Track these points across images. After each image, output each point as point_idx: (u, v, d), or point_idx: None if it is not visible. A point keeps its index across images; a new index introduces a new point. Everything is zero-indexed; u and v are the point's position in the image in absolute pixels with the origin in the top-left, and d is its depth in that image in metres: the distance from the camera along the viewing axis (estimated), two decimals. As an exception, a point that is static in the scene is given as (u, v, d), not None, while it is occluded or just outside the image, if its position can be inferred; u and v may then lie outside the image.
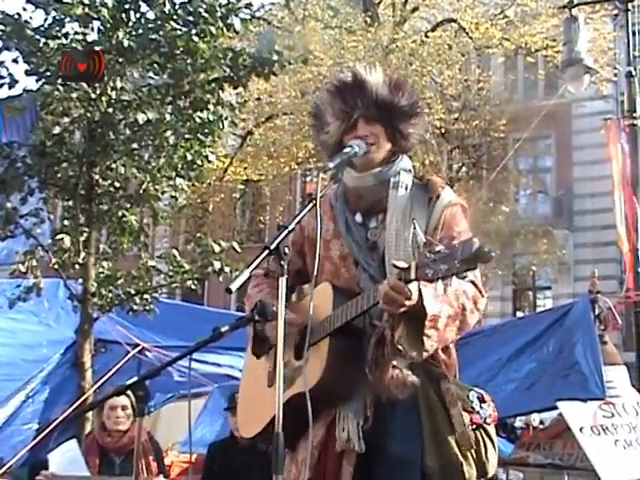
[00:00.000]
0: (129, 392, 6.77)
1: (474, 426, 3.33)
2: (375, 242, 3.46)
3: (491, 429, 3.41)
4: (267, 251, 3.00)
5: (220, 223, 25.77)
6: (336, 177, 3.33)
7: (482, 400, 3.40)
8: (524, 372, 7.63)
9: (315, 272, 3.22)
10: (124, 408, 6.53)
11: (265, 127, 24.23)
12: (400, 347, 3.13)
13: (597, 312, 7.61)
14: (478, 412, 3.35)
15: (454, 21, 22.69)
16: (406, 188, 3.49)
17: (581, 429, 7.05)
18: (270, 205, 28.39)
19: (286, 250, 3.04)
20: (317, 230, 3.22)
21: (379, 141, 3.50)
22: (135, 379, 3.36)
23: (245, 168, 24.95)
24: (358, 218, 3.53)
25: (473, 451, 3.31)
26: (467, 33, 22.32)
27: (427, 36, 22.00)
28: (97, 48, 8.31)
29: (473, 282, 3.29)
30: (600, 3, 16.20)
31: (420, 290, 3.03)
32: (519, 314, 26.23)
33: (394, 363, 3.22)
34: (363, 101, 3.51)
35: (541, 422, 10.88)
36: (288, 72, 21.32)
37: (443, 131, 22.35)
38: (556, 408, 7.47)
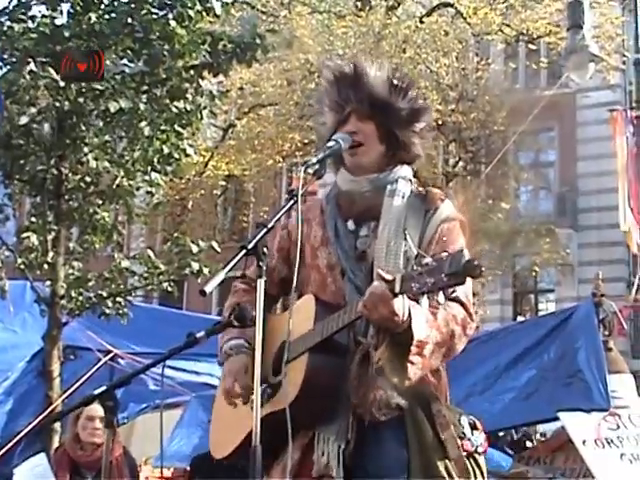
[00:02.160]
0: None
1: (465, 453, 3.28)
2: (364, 252, 3.42)
3: (481, 460, 3.36)
4: (244, 251, 2.98)
5: (200, 221, 25.74)
6: (319, 173, 3.31)
7: (474, 427, 3.36)
8: (523, 381, 7.63)
9: (294, 281, 3.21)
10: (102, 420, 6.51)
11: (248, 118, 24.21)
12: (381, 370, 3.10)
13: (601, 316, 7.62)
14: (469, 439, 3.31)
15: (451, 5, 22.69)
16: (403, 197, 3.46)
17: (584, 442, 7.07)
18: (254, 202, 28.33)
19: (265, 250, 3.02)
20: (298, 231, 3.21)
21: (368, 140, 3.48)
22: (104, 388, 3.33)
23: (227, 162, 24.93)
24: (350, 225, 3.49)
25: None
26: (465, 18, 22.33)
27: (422, 21, 21.98)
28: (66, 33, 8.28)
29: (464, 304, 3.26)
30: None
31: (410, 312, 3.01)
32: (520, 319, 26.21)
33: (378, 383, 3.19)
34: (357, 95, 3.50)
35: (542, 434, 10.90)
36: (273, 60, 21.37)
37: (439, 123, 22.31)
38: (557, 419, 7.48)
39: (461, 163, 24.88)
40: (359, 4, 22.12)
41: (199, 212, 26.05)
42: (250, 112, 24.06)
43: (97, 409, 6.46)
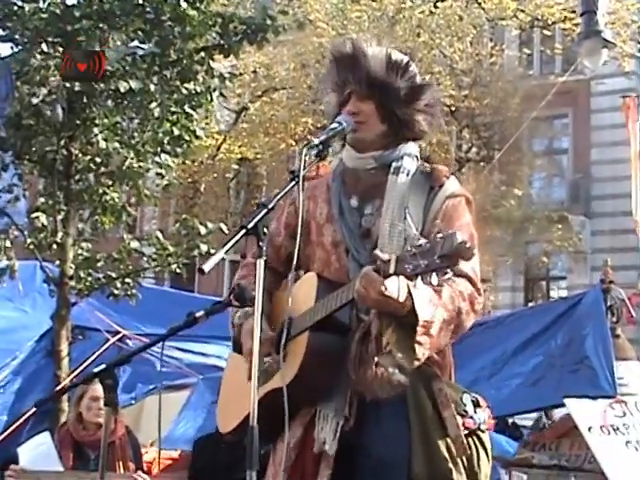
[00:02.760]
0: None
1: (466, 431, 3.27)
2: (369, 229, 3.42)
3: (485, 437, 3.35)
4: (244, 230, 2.98)
5: (212, 204, 25.77)
6: (322, 154, 3.31)
7: (477, 404, 3.35)
8: (530, 367, 7.61)
9: (294, 260, 3.21)
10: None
11: (261, 102, 24.22)
12: (389, 353, 3.09)
13: (609, 303, 7.59)
14: (472, 417, 3.30)
15: (466, -10, 22.63)
16: (407, 174, 3.45)
17: (590, 428, 7.05)
18: (266, 186, 28.33)
19: (265, 230, 3.01)
20: (299, 211, 3.20)
21: (369, 120, 3.47)
22: (103, 366, 3.34)
23: (240, 146, 24.95)
24: (353, 202, 3.49)
25: (465, 458, 3.25)
26: (479, 3, 22.27)
27: (436, 6, 21.94)
28: (76, 13, 8.27)
29: (470, 278, 3.25)
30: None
31: (411, 293, 3.00)
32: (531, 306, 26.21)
33: (378, 360, 3.18)
34: (355, 76, 3.50)
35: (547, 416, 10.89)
36: (286, 43, 21.37)
37: (452, 109, 22.30)
38: (563, 405, 7.47)
39: (474, 149, 24.86)
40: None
41: (211, 195, 26.08)
42: (263, 95, 24.07)
43: (100, 389, 6.45)
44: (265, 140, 24.13)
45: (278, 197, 3.14)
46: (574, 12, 20.85)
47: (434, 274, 2.84)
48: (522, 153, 24.87)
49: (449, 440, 3.23)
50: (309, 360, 3.24)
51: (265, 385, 3.32)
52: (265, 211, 3.04)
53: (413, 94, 3.51)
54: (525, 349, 7.71)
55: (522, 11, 22.38)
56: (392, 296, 2.96)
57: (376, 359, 3.19)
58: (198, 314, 3.25)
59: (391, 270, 2.91)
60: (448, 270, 2.86)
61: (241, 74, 23.10)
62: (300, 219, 3.20)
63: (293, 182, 3.16)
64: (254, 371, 2.91)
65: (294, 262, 3.22)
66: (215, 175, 25.46)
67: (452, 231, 2.82)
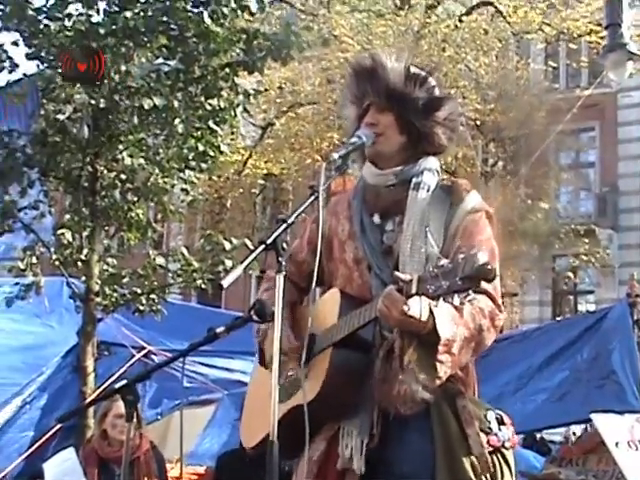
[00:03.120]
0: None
1: (490, 449, 3.23)
2: (390, 247, 3.40)
3: (509, 454, 3.31)
4: (263, 246, 2.98)
5: (239, 220, 25.78)
6: (342, 169, 3.30)
7: (501, 422, 3.32)
8: (556, 381, 7.58)
9: (315, 275, 3.19)
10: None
11: (287, 117, 24.23)
12: (411, 372, 3.07)
13: (636, 317, 7.54)
14: (496, 434, 3.26)
15: (491, 4, 22.56)
16: (428, 190, 3.42)
17: (617, 444, 6.99)
18: (292, 201, 28.34)
19: (284, 245, 3.01)
20: (319, 227, 3.20)
21: (387, 131, 3.44)
22: (124, 382, 3.34)
23: (266, 161, 24.97)
24: (376, 219, 3.46)
25: (489, 476, 3.21)
26: (504, 17, 22.20)
27: (461, 20, 21.92)
28: (101, 30, 8.33)
29: (490, 295, 3.22)
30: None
31: (432, 311, 2.97)
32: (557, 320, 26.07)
33: (402, 378, 3.16)
34: (374, 87, 3.48)
35: (574, 433, 10.82)
36: (312, 59, 21.41)
37: (478, 123, 22.24)
38: (590, 421, 7.41)
39: (500, 163, 24.77)
40: (398, 2, 22.06)
41: (238, 211, 26.10)
42: (289, 111, 24.08)
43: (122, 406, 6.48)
44: (291, 155, 24.14)
45: (297, 212, 3.14)
46: (600, 25, 20.72)
47: (455, 295, 2.83)
48: (548, 167, 24.75)
49: (473, 458, 3.19)
50: (332, 377, 3.23)
51: (288, 402, 3.31)
52: (284, 226, 3.04)
53: (432, 105, 3.48)
54: (551, 363, 7.67)
55: (548, 24, 22.29)
56: (414, 316, 2.93)
57: (400, 376, 3.17)
58: (219, 330, 3.23)
59: (413, 290, 2.89)
60: (470, 291, 2.84)
61: (266, 90, 23.18)
62: (320, 235, 3.20)
63: (313, 197, 3.16)
64: (274, 384, 2.91)
65: (314, 278, 3.20)
66: (241, 191, 25.48)
67: (474, 252, 2.78)
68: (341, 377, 3.25)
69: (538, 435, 12.23)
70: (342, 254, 3.50)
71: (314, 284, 3.25)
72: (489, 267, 2.72)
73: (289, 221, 3.07)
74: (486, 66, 21.89)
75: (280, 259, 2.99)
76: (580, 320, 8.53)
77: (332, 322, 3.33)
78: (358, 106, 3.55)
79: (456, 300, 2.86)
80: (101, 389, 8.40)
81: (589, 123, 26.27)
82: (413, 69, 3.51)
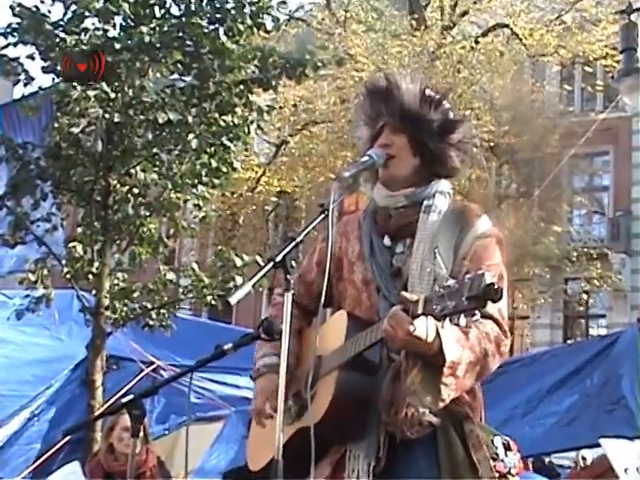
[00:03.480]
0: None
1: (497, 474, 3.20)
2: (399, 269, 3.37)
3: None
4: (272, 263, 2.97)
5: (251, 237, 25.81)
6: (352, 187, 3.29)
7: (508, 448, 3.28)
8: (565, 405, 7.54)
9: (323, 295, 3.16)
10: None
11: (301, 135, 24.28)
12: (414, 393, 3.04)
13: (646, 343, 7.51)
14: (502, 460, 3.23)
15: (507, 26, 22.62)
16: (439, 213, 3.40)
17: (626, 470, 6.94)
18: (305, 219, 28.35)
19: (293, 263, 3.00)
20: (328, 246, 3.17)
21: (401, 153, 3.43)
22: (131, 396, 3.32)
23: (279, 179, 25.00)
24: (386, 241, 3.44)
25: None
26: (520, 39, 22.25)
27: (477, 42, 21.96)
28: (116, 45, 8.36)
29: (496, 320, 3.19)
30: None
31: (439, 333, 2.95)
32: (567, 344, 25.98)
33: (409, 401, 3.13)
34: (388, 108, 3.46)
35: (583, 458, 10.76)
36: (327, 77, 21.45)
37: (492, 145, 22.24)
38: (599, 446, 7.37)
39: (513, 185, 24.77)
40: (414, 23, 22.10)
41: (250, 228, 26.13)
42: (303, 129, 24.14)
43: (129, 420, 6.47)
44: (304, 173, 24.17)
45: (307, 230, 3.13)
46: (615, 49, 20.76)
47: (462, 315, 2.80)
48: (562, 190, 24.76)
49: None
50: (338, 399, 3.20)
51: (294, 424, 3.29)
52: (293, 244, 3.03)
53: (446, 128, 3.47)
54: (560, 388, 7.63)
55: (563, 47, 22.32)
56: (420, 336, 2.91)
57: (407, 399, 3.14)
58: (226, 347, 3.22)
59: (419, 310, 2.87)
60: (476, 311, 2.82)
61: (281, 107, 23.27)
62: (329, 254, 3.17)
63: (323, 215, 3.15)
64: (280, 406, 2.89)
65: (322, 299, 3.18)
66: (254, 208, 25.53)
67: (481, 272, 2.76)
68: (347, 399, 3.22)
69: (547, 459, 12.17)
70: (351, 275, 3.48)
71: (321, 305, 3.22)
72: (495, 287, 2.70)
73: (298, 239, 3.06)
74: (501, 88, 21.92)
75: (288, 277, 2.98)
76: (590, 344, 8.51)
77: (339, 344, 3.30)
78: (371, 127, 3.53)
79: (462, 321, 2.83)
80: (110, 403, 8.39)
81: (603, 147, 26.25)
82: (428, 91, 3.49)
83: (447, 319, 2.83)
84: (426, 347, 2.96)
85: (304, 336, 3.56)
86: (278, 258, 2.98)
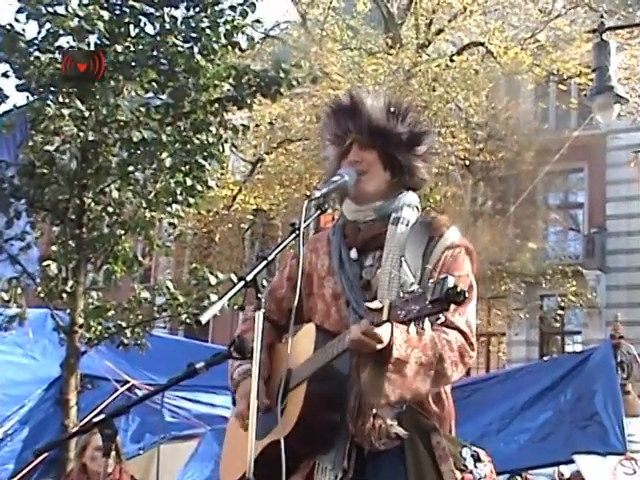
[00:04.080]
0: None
1: None
2: (369, 281, 3.41)
3: None
4: (242, 282, 2.99)
5: (227, 255, 25.76)
6: (323, 207, 3.31)
7: (477, 459, 3.30)
8: (539, 422, 7.55)
9: (293, 311, 3.20)
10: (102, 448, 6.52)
11: (277, 153, 24.29)
12: (364, 390, 3.09)
13: (619, 359, 7.54)
14: (471, 471, 3.25)
15: (481, 45, 22.72)
16: (407, 225, 3.43)
17: (600, 486, 6.98)
18: (281, 237, 28.27)
19: (264, 282, 3.02)
20: (299, 264, 3.20)
21: (372, 169, 3.47)
22: (102, 416, 3.33)
23: (255, 197, 24.98)
24: (353, 254, 3.48)
25: None
26: (495, 57, 22.33)
27: (452, 60, 22.03)
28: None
29: (462, 332, 3.23)
30: (638, 27, 16.20)
31: (392, 332, 3.00)
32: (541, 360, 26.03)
33: (377, 412, 3.17)
34: (356, 125, 3.50)
35: (560, 474, 10.76)
36: (303, 95, 21.49)
37: (467, 162, 22.32)
38: (573, 462, 7.39)
39: (489, 202, 24.86)
40: (390, 42, 22.18)
41: (226, 245, 26.07)
42: (279, 147, 24.15)
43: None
44: (280, 191, 24.17)
45: (278, 250, 3.15)
46: (589, 67, 20.95)
47: (426, 320, 2.84)
48: (537, 207, 24.86)
49: None
50: (307, 410, 3.22)
51: (265, 438, 3.31)
52: (264, 263, 3.05)
53: (414, 140, 3.51)
54: (534, 404, 7.65)
55: (537, 66, 22.43)
56: (384, 341, 2.98)
57: (374, 410, 3.16)
58: (198, 365, 3.23)
59: (384, 317, 2.91)
60: (440, 315, 2.85)
61: (257, 125, 23.29)
62: (300, 271, 3.20)
63: (294, 234, 3.17)
64: (251, 422, 2.90)
65: (293, 314, 3.21)
66: (230, 225, 25.48)
67: (444, 275, 2.80)
68: (316, 411, 3.25)
69: (525, 475, 12.16)
70: (321, 289, 3.50)
71: (292, 321, 3.24)
72: (458, 290, 2.73)
73: (269, 258, 3.08)
74: (476, 106, 21.98)
75: (259, 296, 3.00)
76: (564, 361, 8.54)
77: (308, 356, 3.33)
78: (338, 145, 3.56)
79: (427, 325, 2.87)
80: (84, 422, 8.36)
81: (578, 164, 26.39)
82: (394, 103, 3.53)
83: (412, 324, 2.87)
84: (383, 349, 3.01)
85: (276, 351, 3.58)
86: (249, 277, 3.00)
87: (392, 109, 3.51)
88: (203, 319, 2.91)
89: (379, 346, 2.98)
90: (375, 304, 2.96)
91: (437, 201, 20.58)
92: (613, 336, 7.69)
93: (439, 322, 3.01)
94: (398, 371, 3.05)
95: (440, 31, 23.36)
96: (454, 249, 3.39)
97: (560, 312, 25.88)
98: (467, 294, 2.78)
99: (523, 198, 21.97)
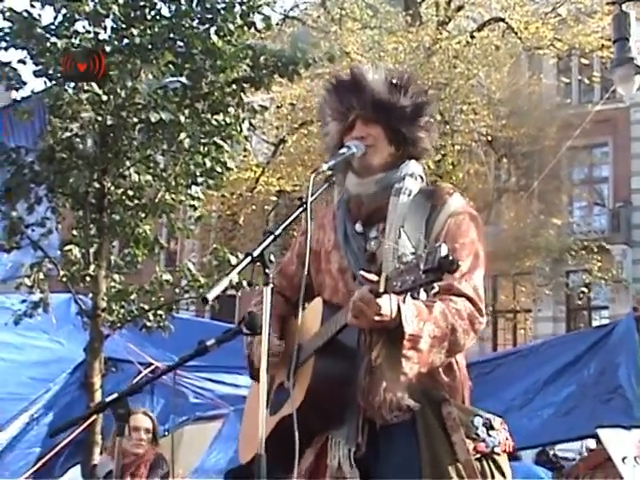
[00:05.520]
0: (151, 414, 6.85)
1: (478, 455, 3.19)
2: (374, 254, 3.38)
3: (502, 459, 3.26)
4: (249, 258, 2.97)
5: (251, 237, 25.78)
6: (330, 180, 3.29)
7: (490, 427, 3.26)
8: (562, 396, 7.51)
9: (302, 286, 3.19)
10: (147, 431, 6.63)
11: (299, 134, 24.24)
12: (379, 368, 3.07)
13: (642, 331, 7.48)
14: (484, 440, 3.22)
15: (502, 20, 22.56)
16: (409, 195, 3.40)
17: (624, 459, 6.93)
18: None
19: (271, 258, 3.01)
20: (307, 239, 3.19)
21: (377, 143, 3.44)
22: (115, 395, 3.33)
23: (278, 178, 24.96)
24: (358, 227, 3.46)
25: None
26: (516, 33, 22.20)
27: (473, 36, 21.90)
28: (107, 48, 8.37)
29: (470, 298, 3.20)
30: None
31: (400, 308, 2.98)
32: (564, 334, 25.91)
33: (387, 385, 3.15)
34: (359, 100, 3.47)
35: (588, 449, 10.70)
36: (324, 76, 21.42)
37: (490, 139, 22.21)
38: (596, 436, 7.35)
39: (513, 179, 24.74)
40: (410, 19, 22.06)
41: (250, 228, 26.10)
42: (301, 128, 24.10)
43: (142, 419, 6.59)
44: (303, 172, 24.13)
45: (285, 225, 3.14)
46: (610, 40, 20.75)
47: (421, 289, 2.82)
48: (561, 182, 24.71)
49: (459, 465, 3.16)
50: (315, 384, 3.22)
51: (277, 413, 3.30)
52: (271, 238, 3.03)
53: (417, 112, 3.49)
54: (558, 378, 7.61)
55: (559, 40, 22.27)
56: (385, 314, 2.95)
57: (384, 384, 3.15)
58: (209, 342, 3.23)
59: (381, 289, 2.89)
60: (435, 285, 2.83)
61: (279, 107, 23.25)
62: (308, 247, 3.19)
63: (300, 209, 3.15)
64: (262, 398, 2.89)
65: (302, 290, 3.19)
66: (254, 208, 25.49)
67: (437, 244, 2.78)
68: (324, 384, 3.24)
69: (551, 452, 12.12)
70: (328, 265, 3.49)
71: (301, 296, 3.22)
72: (451, 258, 2.71)
73: (276, 233, 3.07)
74: (498, 82, 21.85)
75: (267, 271, 2.98)
76: (587, 334, 8.46)
77: (315, 330, 3.33)
78: (340, 121, 3.53)
79: (422, 295, 2.88)
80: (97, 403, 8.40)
81: (602, 138, 26.21)
82: (395, 76, 3.50)
83: (408, 295, 2.86)
84: (390, 323, 2.99)
85: (288, 324, 3.58)
86: (255, 253, 2.98)
87: (394, 82, 3.48)
88: (209, 296, 2.90)
89: (377, 317, 2.96)
90: (372, 275, 2.94)
91: (460, 179, 20.50)
92: (636, 309, 7.63)
93: (434, 291, 3.00)
94: (413, 347, 3.03)
95: (460, 8, 23.21)
96: (457, 216, 3.35)
97: (586, 288, 25.75)
98: (468, 262, 2.75)
99: (547, 174, 21.82)
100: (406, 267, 2.80)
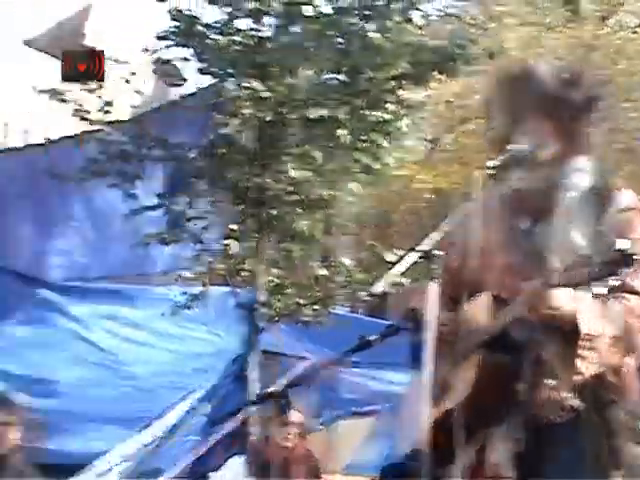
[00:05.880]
0: (303, 409, 6.93)
1: None
2: (540, 250, 3.30)
3: None
4: (414, 254, 2.95)
5: (405, 233, 25.71)
6: (498, 177, 3.24)
7: None
8: None
9: (468, 282, 3.18)
10: (298, 426, 6.70)
11: (457, 132, 24.05)
12: (551, 367, 3.02)
13: None
14: None
15: (666, 15, 21.92)
16: (577, 190, 3.32)
17: None
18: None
19: (436, 252, 2.98)
20: (472, 235, 3.16)
21: (546, 138, 3.36)
22: (278, 387, 3.36)
23: (434, 176, 24.82)
24: (523, 224, 3.40)
25: None
26: (681, 27, 21.53)
27: (635, 32, 21.33)
28: (268, 45, 8.48)
29: None
30: None
31: (575, 305, 2.92)
32: None
33: (552, 383, 3.09)
34: (529, 95, 3.39)
35: None
36: (480, 73, 21.21)
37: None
38: None
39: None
40: (569, 15, 21.62)
41: (404, 224, 26.03)
42: (461, 125, 23.89)
43: (293, 414, 6.63)
44: (460, 170, 23.93)
45: (452, 219, 3.11)
46: None
47: (596, 283, 2.75)
48: None
49: (623, 470, 3.09)
50: (481, 379, 3.17)
51: (440, 406, 3.27)
52: (437, 233, 3.00)
53: (588, 107, 3.39)
54: None
55: None
56: (558, 308, 2.90)
57: (550, 382, 3.09)
58: (372, 337, 3.22)
59: (555, 281, 2.84)
60: (609, 279, 2.76)
61: (437, 104, 23.12)
62: (471, 243, 3.15)
63: (466, 205, 3.12)
64: (425, 393, 2.87)
65: (466, 287, 3.18)
66: (409, 205, 25.41)
67: (613, 239, 2.75)
68: (490, 379, 3.19)
69: None
70: (493, 260, 3.42)
71: (466, 294, 3.20)
72: (629, 252, 2.64)
73: (442, 228, 3.04)
74: (662, 79, 21.20)
75: (432, 267, 2.95)
76: None
77: (482, 325, 3.28)
78: (510, 116, 3.44)
79: (597, 289, 2.80)
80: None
81: None
82: (566, 70, 3.42)
83: (583, 292, 2.82)
84: (562, 319, 2.93)
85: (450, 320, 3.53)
86: (423, 247, 2.96)
87: (565, 77, 3.39)
88: (376, 290, 2.88)
89: (549, 311, 2.91)
90: (547, 269, 2.91)
91: (619, 178, 19.99)
92: None
93: (607, 288, 2.90)
94: (589, 347, 2.98)
95: (622, 3, 22.63)
96: (628, 212, 3.25)
97: None
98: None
99: None
100: (580, 261, 2.74)
